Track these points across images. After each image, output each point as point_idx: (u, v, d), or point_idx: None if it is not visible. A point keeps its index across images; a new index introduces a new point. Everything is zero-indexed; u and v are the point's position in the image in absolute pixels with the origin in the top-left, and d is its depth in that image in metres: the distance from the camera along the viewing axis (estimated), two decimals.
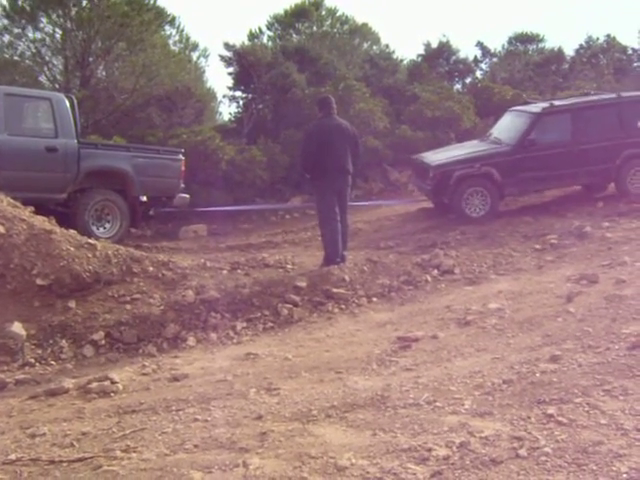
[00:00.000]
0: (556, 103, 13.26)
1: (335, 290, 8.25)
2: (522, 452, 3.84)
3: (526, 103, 14.45)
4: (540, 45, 28.88)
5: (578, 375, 4.95)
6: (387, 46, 27.82)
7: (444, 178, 12.25)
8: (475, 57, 28.01)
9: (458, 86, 25.71)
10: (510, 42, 28.90)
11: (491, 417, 4.41)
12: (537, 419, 4.29)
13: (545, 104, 13.24)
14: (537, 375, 5.03)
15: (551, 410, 4.37)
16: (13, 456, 4.56)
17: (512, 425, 4.24)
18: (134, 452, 4.41)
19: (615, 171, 12.59)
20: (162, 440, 4.59)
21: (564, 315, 6.54)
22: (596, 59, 27.07)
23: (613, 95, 13.55)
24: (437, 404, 4.71)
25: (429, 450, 3.97)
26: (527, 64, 26.76)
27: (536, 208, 12.62)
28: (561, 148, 12.31)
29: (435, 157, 13.13)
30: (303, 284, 8.29)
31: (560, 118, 12.65)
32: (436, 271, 8.90)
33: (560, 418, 4.25)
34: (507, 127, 13.18)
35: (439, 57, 26.26)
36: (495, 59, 28.91)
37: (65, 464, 4.35)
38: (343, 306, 8.04)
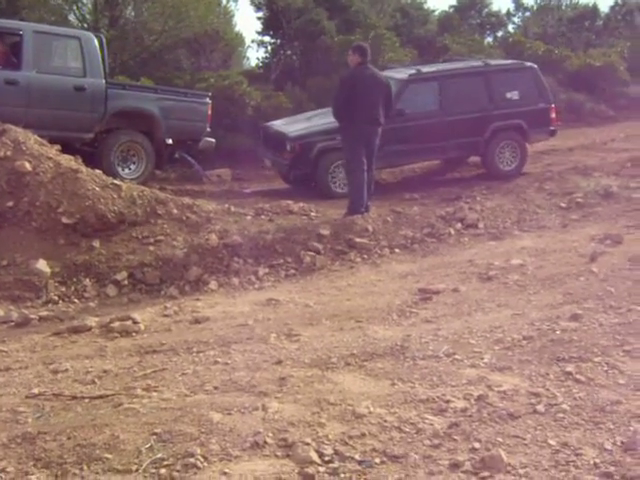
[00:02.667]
0: (423, 70, 12.40)
1: (358, 239, 8.24)
2: (540, 408, 3.86)
3: (387, 69, 12.90)
4: (574, 1, 28.36)
5: (598, 334, 4.94)
6: None
7: (304, 151, 11.17)
8: (508, 10, 27.65)
9: (489, 39, 25.41)
10: None
11: (510, 372, 4.42)
12: (556, 376, 4.30)
13: (411, 70, 12.40)
14: (557, 333, 5.03)
15: (570, 368, 4.38)
16: (36, 390, 4.64)
17: (530, 381, 4.26)
18: (154, 391, 4.47)
19: (483, 145, 12.05)
20: (182, 381, 4.65)
21: (587, 274, 6.50)
22: (631, 16, 26.54)
23: (480, 63, 13.02)
24: (456, 357, 4.73)
25: (447, 402, 3.99)
26: (560, 19, 26.32)
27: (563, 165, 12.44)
28: (429, 119, 11.62)
29: (292, 127, 11.94)
30: (326, 232, 8.29)
31: (427, 86, 11.89)
32: (460, 225, 8.86)
33: (579, 376, 4.25)
34: None
35: (471, 9, 25.93)
36: (528, 13, 28.47)
37: (87, 400, 4.42)
38: (365, 256, 8.04)
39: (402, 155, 11.63)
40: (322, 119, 11.78)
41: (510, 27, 27.46)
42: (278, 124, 12.42)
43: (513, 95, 12.22)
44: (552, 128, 12.58)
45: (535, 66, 12.86)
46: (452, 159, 12.93)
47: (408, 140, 11.37)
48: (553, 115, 12.52)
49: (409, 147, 11.47)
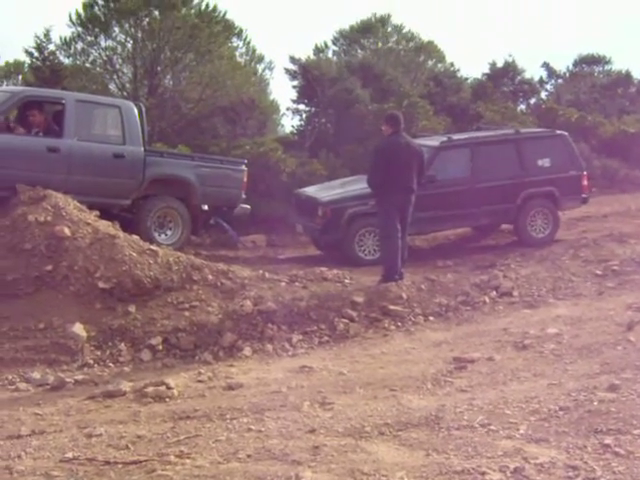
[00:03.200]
0: (454, 137, 12.58)
1: (392, 307, 8.24)
2: None
3: (419, 137, 13.03)
4: (607, 67, 28.58)
5: (637, 406, 4.85)
6: (452, 64, 27.81)
7: (335, 216, 11.18)
8: (540, 78, 27.82)
9: (522, 106, 25.54)
10: (576, 64, 28.64)
11: (547, 444, 4.35)
12: (594, 448, 4.22)
13: (443, 138, 12.53)
14: (595, 404, 4.95)
15: (608, 440, 4.30)
16: (70, 454, 4.66)
17: (568, 453, 4.18)
18: (188, 458, 4.46)
19: (514, 212, 12.00)
20: (216, 448, 4.63)
21: (624, 343, 6.43)
22: None
23: (511, 131, 13.06)
24: (492, 427, 4.67)
25: (483, 474, 3.93)
26: (593, 86, 26.45)
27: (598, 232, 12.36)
28: (460, 186, 11.62)
29: (324, 192, 12.07)
30: (360, 299, 8.30)
31: (459, 153, 11.97)
32: (494, 292, 8.81)
33: (617, 449, 4.17)
34: None
35: (504, 77, 26.12)
36: (560, 80, 28.65)
37: (120, 466, 4.42)
38: (399, 323, 8.03)
39: (433, 222, 11.60)
40: (353, 185, 11.98)
41: (543, 94, 27.64)
42: (310, 190, 12.55)
43: (545, 162, 12.25)
44: (584, 195, 12.56)
45: (566, 134, 12.96)
46: (484, 226, 12.89)
47: (439, 207, 11.37)
48: (585, 182, 12.52)
49: (440, 214, 11.44)
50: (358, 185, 11.86)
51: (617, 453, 4.13)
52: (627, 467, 3.95)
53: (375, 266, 9.60)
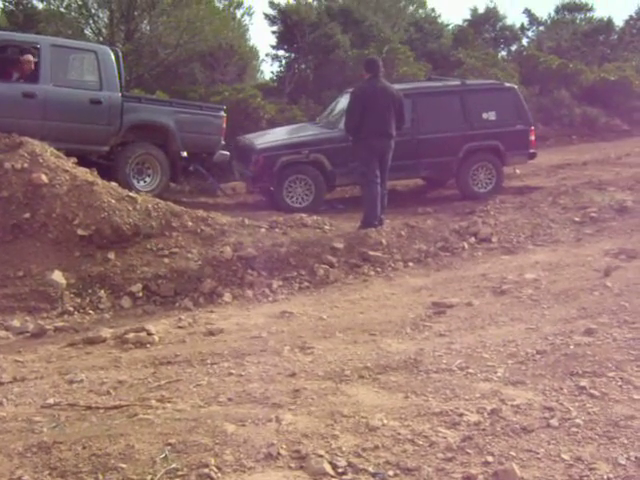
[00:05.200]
0: (396, 87, 11.72)
1: (372, 253, 8.26)
2: (553, 422, 3.85)
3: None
4: (588, 14, 28.41)
5: (612, 349, 4.92)
6: (433, 10, 27.79)
7: (268, 164, 11.11)
8: (522, 24, 27.66)
9: (503, 53, 25.45)
10: (558, 11, 28.49)
11: (523, 386, 4.41)
12: (569, 391, 4.29)
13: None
14: (571, 347, 5.01)
15: (584, 382, 4.37)
16: (51, 400, 4.68)
17: (544, 395, 4.25)
18: (169, 402, 4.49)
19: (456, 165, 11.87)
20: (197, 392, 4.67)
21: (601, 289, 6.49)
22: None
23: (457, 82, 12.85)
24: (470, 370, 4.73)
25: (460, 415, 3.99)
26: (575, 33, 26.33)
27: (577, 179, 12.41)
28: (400, 137, 10.93)
29: (261, 140, 11.96)
30: (340, 245, 8.32)
31: None
32: (473, 239, 8.85)
33: (592, 391, 4.24)
34: (342, 110, 10.95)
35: (485, 23, 25.97)
36: (542, 27, 28.49)
37: (102, 410, 4.45)
38: (379, 269, 8.06)
39: None
40: (290, 133, 12.05)
41: (524, 41, 27.51)
42: (250, 137, 12.45)
43: (490, 115, 12.09)
44: (532, 151, 12.41)
45: (515, 87, 12.87)
46: (429, 179, 12.81)
47: None
48: (532, 137, 12.38)
49: None
50: (298, 133, 11.99)
51: (592, 395, 4.19)
52: (601, 408, 4.02)
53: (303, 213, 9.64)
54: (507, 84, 13.17)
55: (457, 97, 12.08)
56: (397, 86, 11.57)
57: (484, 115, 12.06)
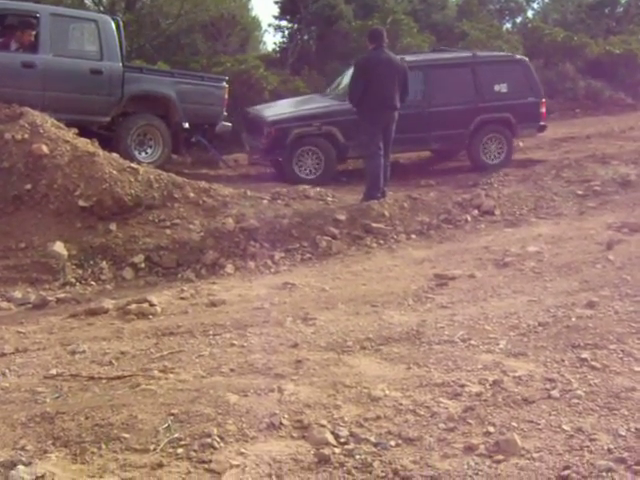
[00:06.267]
0: (407, 58, 11.62)
1: (374, 225, 8.25)
2: (554, 393, 3.87)
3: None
4: None
5: (614, 322, 4.94)
6: None
7: (280, 136, 10.97)
8: None
9: (508, 25, 25.25)
10: None
11: (525, 358, 4.43)
12: (571, 362, 4.31)
13: None
14: (573, 319, 5.03)
15: (585, 354, 4.39)
16: (54, 371, 4.69)
17: (545, 367, 4.27)
18: (171, 373, 4.51)
19: (467, 137, 11.80)
20: (199, 363, 4.68)
21: (603, 262, 6.50)
22: None
23: (469, 54, 12.71)
24: (472, 342, 4.74)
25: (462, 386, 4.01)
26: (580, 6, 26.08)
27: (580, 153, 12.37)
28: (411, 109, 10.84)
29: (271, 112, 11.84)
30: (343, 217, 8.30)
31: (412, 75, 10.77)
32: (476, 211, 8.83)
33: (594, 363, 4.27)
34: None
35: None
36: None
37: (104, 381, 4.47)
38: (382, 241, 8.05)
39: None
40: (304, 105, 11.93)
41: (529, 13, 27.30)
42: (259, 109, 12.36)
43: (502, 88, 12.00)
44: (542, 123, 12.35)
45: (526, 59, 12.75)
46: (440, 151, 12.71)
47: None
48: (543, 110, 12.30)
49: None
50: (308, 105, 11.87)
51: (593, 367, 4.22)
52: (602, 380, 4.04)
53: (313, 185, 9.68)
54: (518, 56, 13.07)
55: (469, 69, 11.97)
56: (408, 57, 11.61)
57: (496, 87, 11.98)
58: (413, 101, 11.06)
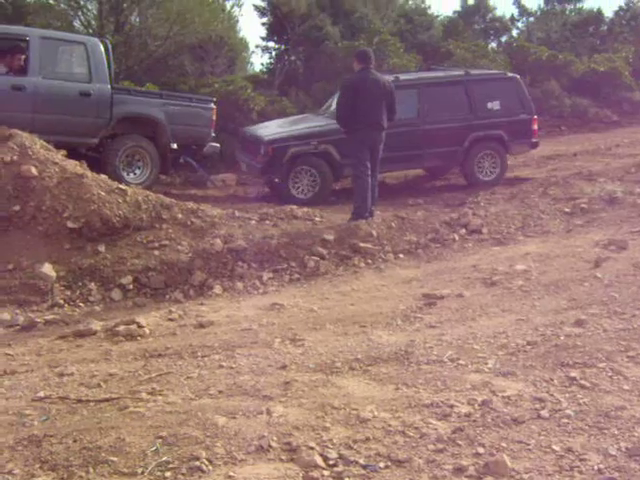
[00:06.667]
0: (401, 77, 12.04)
1: (362, 244, 8.26)
2: (544, 413, 3.87)
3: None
4: (578, 5, 28.40)
5: (603, 340, 4.95)
6: (423, 1, 27.37)
7: (277, 155, 10.99)
8: (512, 15, 27.66)
9: (493, 44, 25.42)
10: (547, 1, 28.47)
11: (514, 377, 4.43)
12: (560, 382, 4.31)
13: (389, 77, 11.49)
14: (561, 338, 5.04)
15: (574, 373, 4.39)
16: (42, 393, 4.66)
17: (535, 386, 4.26)
18: (160, 395, 4.49)
19: (462, 155, 11.94)
20: (187, 384, 4.66)
21: (591, 280, 6.52)
22: (636, 21, 26.53)
23: (461, 72, 12.81)
24: (460, 362, 4.74)
25: (451, 406, 4.00)
26: (564, 24, 26.31)
27: (567, 170, 12.43)
28: (405, 127, 11.17)
29: (268, 131, 11.85)
30: (331, 237, 8.32)
31: (405, 94, 11.16)
32: (464, 230, 8.87)
33: (583, 382, 4.26)
34: None
35: (475, 14, 25.95)
36: (532, 18, 28.49)
37: (92, 403, 4.44)
38: (370, 261, 8.06)
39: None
40: (299, 124, 11.98)
41: (514, 32, 27.52)
42: (255, 128, 12.43)
43: (494, 105, 12.14)
44: (534, 140, 12.48)
45: (518, 76, 12.88)
46: (433, 168, 12.83)
47: (384, 148, 10.13)
48: (535, 127, 12.46)
49: (385, 155, 10.06)
50: (304, 124, 11.90)
51: (582, 385, 4.22)
52: (592, 399, 4.03)
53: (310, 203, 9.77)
54: (510, 74, 13.21)
55: (462, 87, 12.11)
56: (402, 76, 11.92)
57: (488, 105, 12.11)
58: (407, 119, 11.26)
